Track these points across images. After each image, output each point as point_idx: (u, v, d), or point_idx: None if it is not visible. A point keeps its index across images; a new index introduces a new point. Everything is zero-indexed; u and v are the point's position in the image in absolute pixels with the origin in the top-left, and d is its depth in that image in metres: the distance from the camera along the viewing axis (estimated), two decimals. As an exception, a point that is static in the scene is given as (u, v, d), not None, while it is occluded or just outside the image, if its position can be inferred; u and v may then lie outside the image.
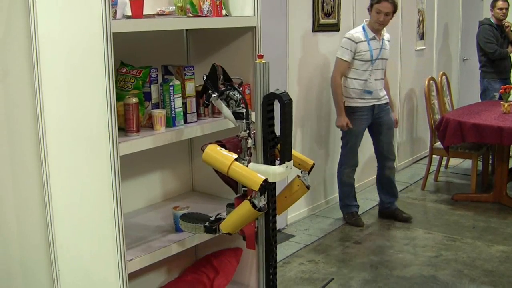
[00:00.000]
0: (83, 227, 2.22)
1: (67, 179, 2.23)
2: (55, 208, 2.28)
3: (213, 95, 2.20)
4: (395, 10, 4.33)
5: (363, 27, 4.36)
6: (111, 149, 2.02)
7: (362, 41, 4.29)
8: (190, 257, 2.91)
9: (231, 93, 2.20)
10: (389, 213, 4.68)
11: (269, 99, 2.12)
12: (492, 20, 6.07)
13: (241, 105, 2.21)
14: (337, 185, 4.77)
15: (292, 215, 4.58)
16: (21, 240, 2.41)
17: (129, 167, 2.34)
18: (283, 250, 4.06)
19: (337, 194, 5.05)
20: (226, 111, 2.22)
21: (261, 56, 2.13)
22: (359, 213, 4.66)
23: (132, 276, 2.22)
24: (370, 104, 4.37)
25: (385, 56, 4.41)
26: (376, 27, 4.32)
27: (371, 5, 4.32)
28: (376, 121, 4.46)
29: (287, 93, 2.13)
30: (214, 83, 2.21)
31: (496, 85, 6.06)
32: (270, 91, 2.12)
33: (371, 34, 4.32)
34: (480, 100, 6.24)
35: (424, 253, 3.99)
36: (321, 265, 3.82)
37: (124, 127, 2.19)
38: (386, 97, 4.50)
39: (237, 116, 2.21)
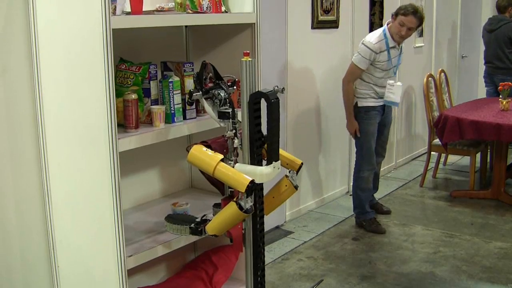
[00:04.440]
0: (83, 223, 2.22)
1: (66, 175, 2.23)
2: (55, 204, 2.29)
3: (195, 94, 2.16)
4: (420, 24, 4.12)
5: (385, 34, 4.11)
6: (110, 145, 2.02)
7: (382, 51, 4.07)
8: (189, 254, 2.92)
9: (216, 91, 2.15)
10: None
11: (255, 98, 2.06)
12: None
13: (228, 104, 2.16)
14: (336, 183, 4.78)
15: (290, 212, 4.59)
16: (21, 236, 2.41)
17: (128, 163, 2.34)
18: (281, 247, 4.07)
19: (336, 190, 5.07)
20: (209, 110, 2.18)
21: (247, 54, 2.06)
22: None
23: (132, 271, 2.23)
24: (381, 104, 4.25)
25: (400, 61, 4.28)
26: (397, 39, 4.11)
27: (396, 14, 4.08)
28: (381, 121, 4.36)
29: (274, 92, 2.07)
30: (200, 81, 2.17)
31: None
32: (259, 90, 2.07)
33: (392, 43, 4.11)
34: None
35: (423, 250, 4.00)
36: (320, 262, 3.83)
37: (123, 123, 2.20)
38: None
39: (223, 115, 2.14)
